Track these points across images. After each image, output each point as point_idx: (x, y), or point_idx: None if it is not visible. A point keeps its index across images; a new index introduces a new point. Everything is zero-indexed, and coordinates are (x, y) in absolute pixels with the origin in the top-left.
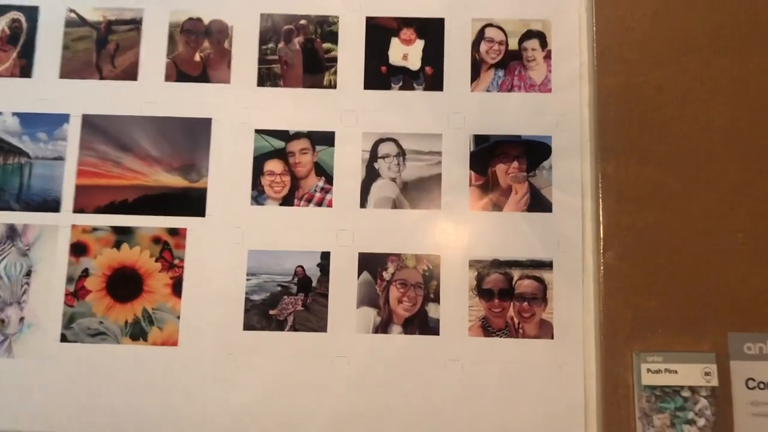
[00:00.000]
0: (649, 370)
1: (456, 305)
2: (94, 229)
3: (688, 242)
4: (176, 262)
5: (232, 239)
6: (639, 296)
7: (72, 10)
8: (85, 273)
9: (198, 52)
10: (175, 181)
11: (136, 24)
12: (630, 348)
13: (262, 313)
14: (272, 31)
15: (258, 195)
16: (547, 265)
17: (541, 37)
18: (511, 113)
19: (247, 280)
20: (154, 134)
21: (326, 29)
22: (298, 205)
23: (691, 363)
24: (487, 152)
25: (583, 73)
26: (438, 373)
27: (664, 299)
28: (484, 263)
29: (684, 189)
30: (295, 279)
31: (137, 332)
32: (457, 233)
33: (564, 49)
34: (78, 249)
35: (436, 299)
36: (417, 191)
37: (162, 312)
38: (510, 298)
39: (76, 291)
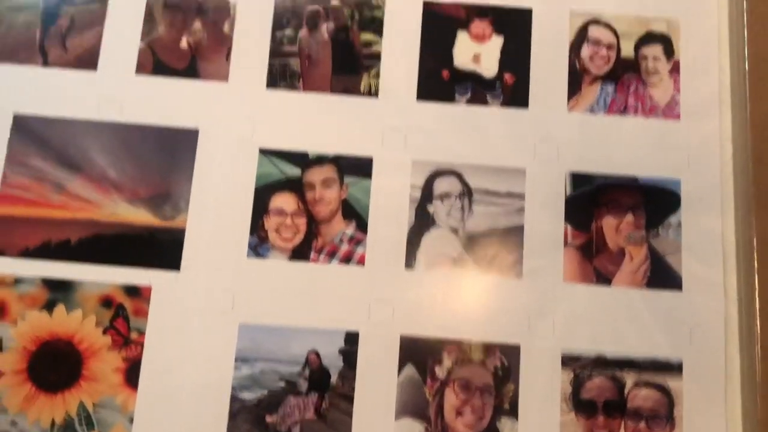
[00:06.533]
0: None
1: (541, 422)
2: (17, 280)
3: None
4: (134, 336)
5: (217, 306)
6: None
7: None
8: None
9: (186, 37)
10: (141, 216)
11: None
12: None
13: (256, 419)
14: (291, 13)
15: (259, 243)
16: (675, 369)
17: (666, 43)
18: (623, 145)
19: (236, 368)
20: (114, 148)
21: (367, 15)
22: (316, 261)
23: None
24: (590, 199)
25: (725, 94)
26: None
27: None
28: (583, 361)
29: None
30: (307, 371)
31: None
32: (545, 314)
33: (698, 59)
34: None
35: (513, 412)
36: (488, 249)
37: (107, 410)
38: (620, 414)
39: None
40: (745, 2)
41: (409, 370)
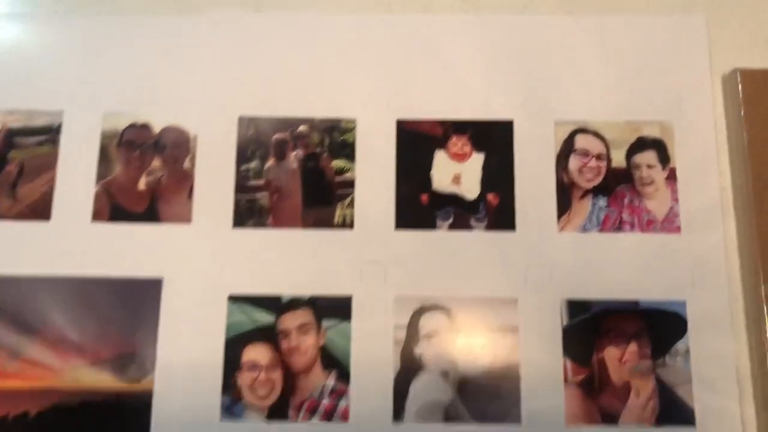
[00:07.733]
0: None
1: None
2: None
3: None
4: None
5: None
6: None
7: None
8: None
9: (144, 176)
10: (104, 380)
11: (50, 133)
12: None
13: None
14: (256, 143)
15: (232, 403)
16: None
17: (660, 148)
18: (621, 265)
19: None
20: (73, 305)
21: (337, 139)
22: (296, 420)
23: None
24: (589, 328)
25: (727, 202)
26: None
27: None
28: None
29: None
30: None
31: None
32: None
33: (695, 165)
34: None
35: None
36: (482, 394)
37: None
38: None
39: None
40: (742, 101)
41: None
